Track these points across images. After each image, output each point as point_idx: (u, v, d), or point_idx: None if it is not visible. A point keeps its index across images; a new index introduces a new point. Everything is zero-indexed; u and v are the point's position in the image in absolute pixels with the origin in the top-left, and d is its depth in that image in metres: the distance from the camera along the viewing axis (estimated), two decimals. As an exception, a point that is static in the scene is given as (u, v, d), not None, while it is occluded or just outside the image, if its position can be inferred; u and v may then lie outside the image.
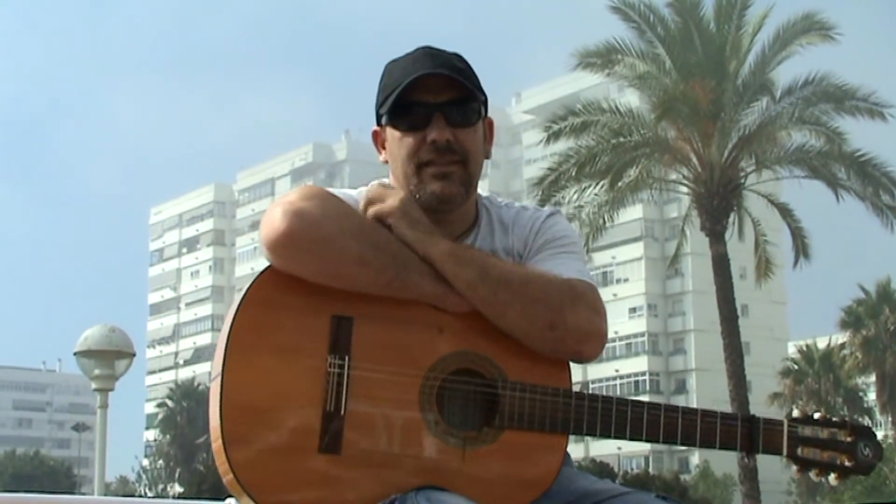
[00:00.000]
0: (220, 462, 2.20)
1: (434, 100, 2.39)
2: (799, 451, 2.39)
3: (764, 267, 25.82)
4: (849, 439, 2.41)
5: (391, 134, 2.44)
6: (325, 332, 2.23)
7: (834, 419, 2.42)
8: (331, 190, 2.38)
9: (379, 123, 2.49)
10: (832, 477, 2.41)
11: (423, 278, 2.28)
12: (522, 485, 2.27)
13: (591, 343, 2.32)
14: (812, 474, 2.41)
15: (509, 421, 2.26)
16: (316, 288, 2.25)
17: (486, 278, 2.28)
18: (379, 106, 2.46)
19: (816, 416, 2.41)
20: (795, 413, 2.42)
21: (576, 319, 2.29)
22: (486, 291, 2.27)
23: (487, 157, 2.51)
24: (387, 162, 2.50)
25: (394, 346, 2.26)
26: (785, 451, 2.38)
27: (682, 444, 2.35)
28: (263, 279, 2.26)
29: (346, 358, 2.22)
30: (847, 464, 2.40)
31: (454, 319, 2.29)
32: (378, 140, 2.51)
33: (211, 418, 2.22)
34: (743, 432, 2.35)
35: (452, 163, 2.40)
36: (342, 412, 2.20)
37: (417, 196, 2.40)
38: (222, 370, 2.20)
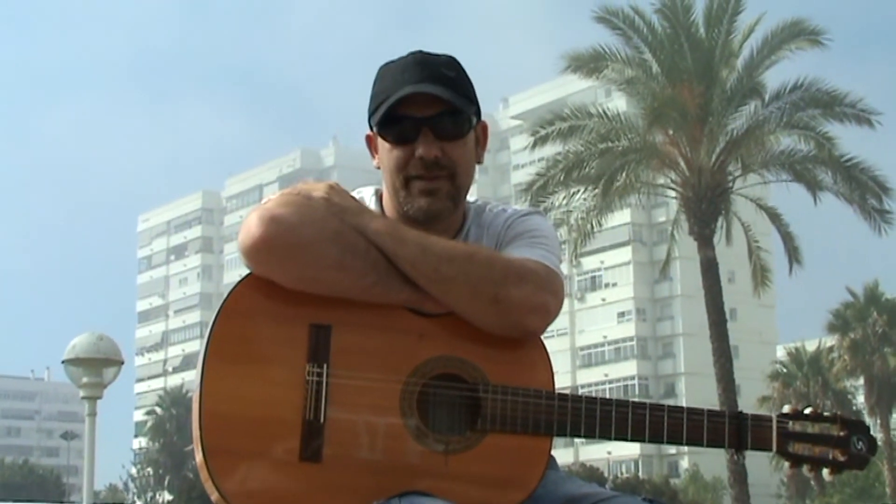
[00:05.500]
0: (202, 473, 2.19)
1: (422, 114, 2.37)
2: (789, 446, 2.36)
3: (760, 275, 25.88)
4: (841, 434, 2.38)
5: (381, 144, 2.44)
6: (303, 341, 2.22)
7: (825, 413, 2.39)
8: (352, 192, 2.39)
9: (370, 128, 2.48)
10: (826, 472, 2.38)
11: (403, 283, 2.27)
12: (507, 488, 2.24)
13: (535, 316, 2.27)
14: (805, 470, 2.38)
15: (492, 424, 2.24)
16: (294, 296, 2.23)
17: (427, 254, 2.25)
18: (370, 114, 2.44)
19: (807, 411, 2.38)
20: (786, 409, 2.38)
21: (520, 293, 2.26)
22: (428, 267, 2.25)
23: (479, 161, 2.49)
24: (379, 168, 2.48)
25: (373, 352, 2.24)
26: (774, 447, 2.35)
27: (669, 443, 2.32)
28: (240, 289, 2.25)
29: (325, 366, 2.20)
30: (840, 458, 2.37)
31: (434, 325, 2.27)
32: (372, 144, 2.50)
33: (193, 430, 2.21)
34: (731, 429, 2.32)
35: (440, 178, 2.39)
36: (322, 421, 2.18)
37: (406, 209, 2.40)
38: (201, 381, 2.20)
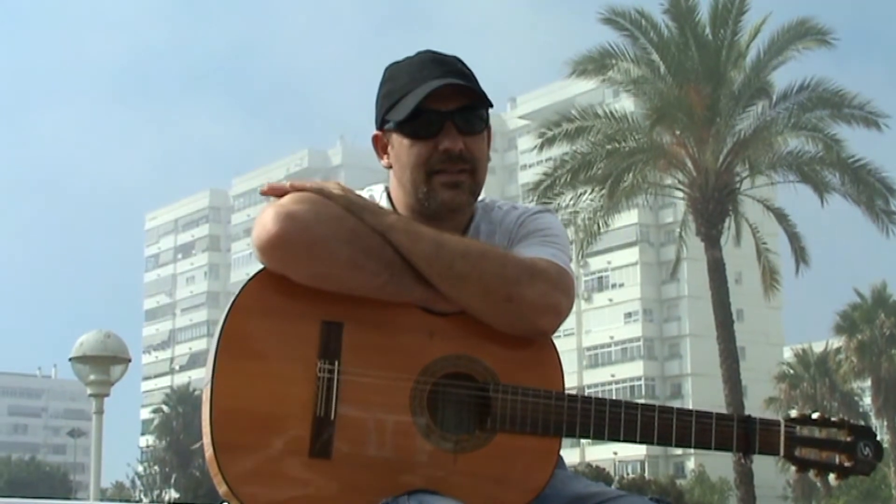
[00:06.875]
0: (211, 468, 2.20)
1: (445, 108, 2.36)
2: (796, 451, 2.36)
3: (769, 278, 25.84)
4: (848, 439, 2.39)
5: (398, 141, 2.41)
6: (314, 338, 2.22)
7: (832, 419, 2.40)
8: (359, 191, 2.39)
9: (380, 128, 2.46)
10: (832, 477, 2.39)
11: (416, 281, 2.27)
12: (515, 488, 2.25)
13: (548, 316, 2.28)
14: (811, 474, 2.39)
15: (501, 424, 2.24)
16: (305, 293, 2.23)
17: (442, 251, 2.26)
18: (385, 111, 2.43)
19: (814, 416, 2.39)
20: (793, 413, 2.40)
21: (533, 292, 2.26)
22: (442, 265, 2.25)
23: (488, 159, 2.49)
24: (389, 167, 2.47)
25: (384, 350, 2.24)
26: (782, 452, 2.36)
27: (677, 446, 2.33)
28: (252, 285, 2.25)
29: (336, 363, 2.21)
30: (847, 464, 2.38)
31: (445, 323, 2.28)
32: (379, 144, 2.48)
33: (202, 426, 2.21)
34: (739, 433, 2.33)
35: (462, 171, 2.39)
36: (332, 417, 2.19)
37: (426, 203, 2.39)
38: (212, 377, 2.20)
